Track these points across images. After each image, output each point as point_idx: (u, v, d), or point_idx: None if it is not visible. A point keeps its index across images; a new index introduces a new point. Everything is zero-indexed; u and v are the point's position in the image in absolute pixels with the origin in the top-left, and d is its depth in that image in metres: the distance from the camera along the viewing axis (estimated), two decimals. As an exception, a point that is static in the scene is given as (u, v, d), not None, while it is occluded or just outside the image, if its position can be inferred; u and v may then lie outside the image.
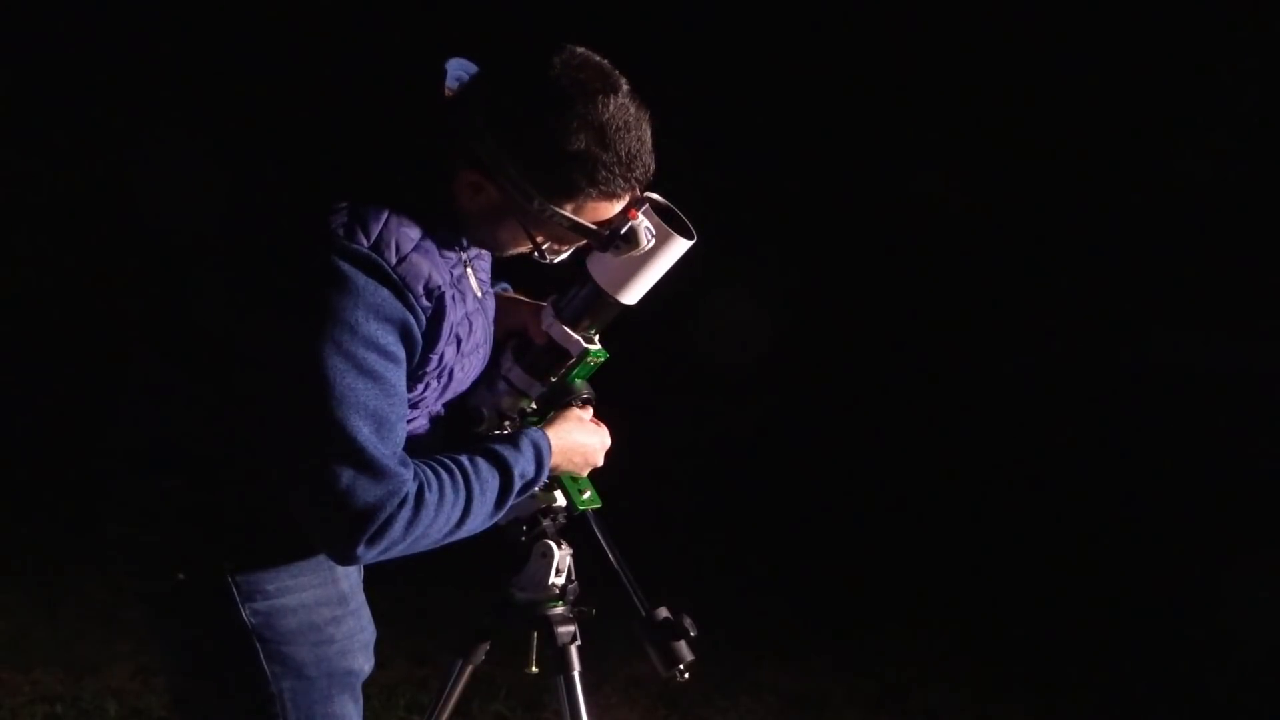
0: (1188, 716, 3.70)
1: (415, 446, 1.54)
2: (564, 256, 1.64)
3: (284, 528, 1.56)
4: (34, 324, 6.12)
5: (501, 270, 1.92)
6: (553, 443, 1.66)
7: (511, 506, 1.65)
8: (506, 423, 1.78)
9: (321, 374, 1.40)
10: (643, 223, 1.55)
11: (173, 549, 1.59)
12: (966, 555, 4.73)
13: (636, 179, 1.52)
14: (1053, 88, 6.11)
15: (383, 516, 1.43)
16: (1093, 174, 6.18)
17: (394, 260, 1.43)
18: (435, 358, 1.54)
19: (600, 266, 1.67)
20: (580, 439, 1.73)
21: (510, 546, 1.88)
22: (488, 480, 1.55)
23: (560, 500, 1.83)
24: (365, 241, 1.43)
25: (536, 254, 1.61)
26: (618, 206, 1.54)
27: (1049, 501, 5.14)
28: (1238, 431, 5.35)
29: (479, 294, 1.66)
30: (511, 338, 1.80)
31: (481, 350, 1.69)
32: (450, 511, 1.51)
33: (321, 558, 1.62)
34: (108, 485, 1.64)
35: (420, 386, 1.57)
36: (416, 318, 1.47)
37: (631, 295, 1.69)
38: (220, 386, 1.51)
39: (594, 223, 1.52)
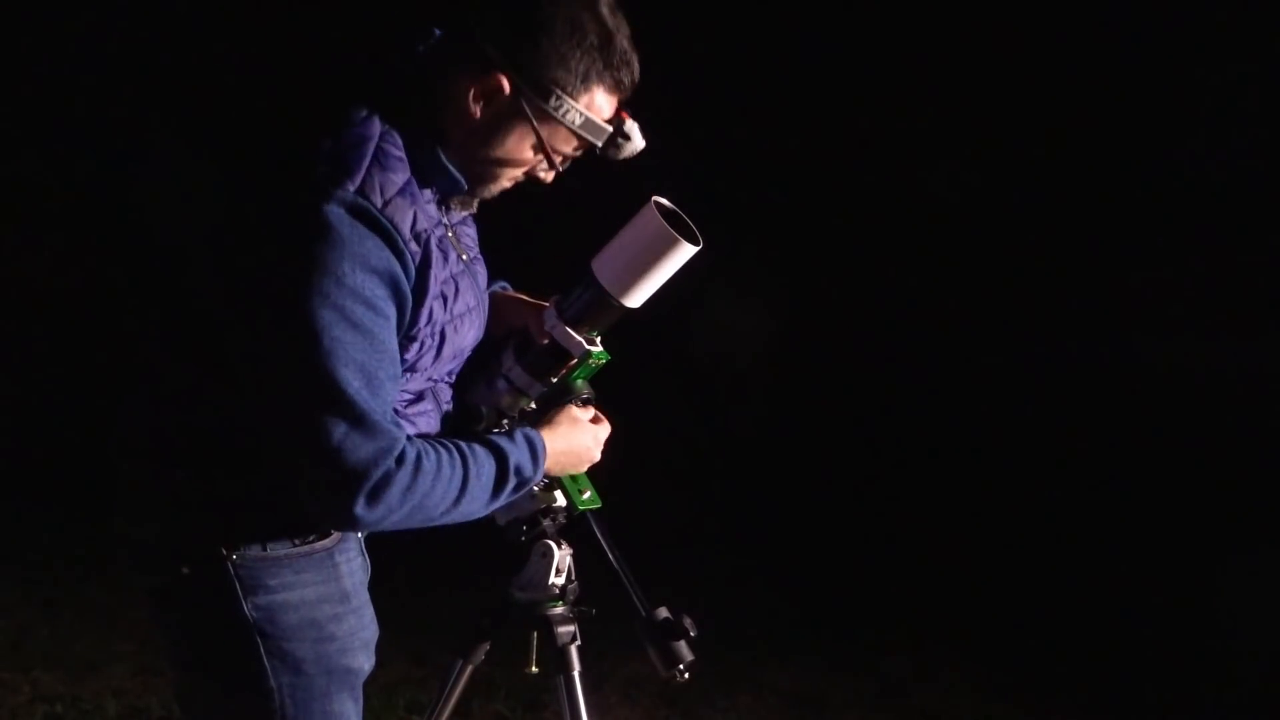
0: (1188, 717, 3.70)
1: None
2: (551, 176, 1.64)
3: (287, 521, 1.58)
4: (33, 323, 6.13)
5: (502, 270, 1.92)
6: (548, 442, 1.65)
7: (510, 503, 1.65)
8: (505, 421, 1.78)
9: (309, 327, 1.38)
10: (634, 125, 1.56)
11: (176, 542, 1.59)
12: (966, 555, 4.74)
13: (632, 77, 1.55)
14: (1053, 87, 6.11)
15: (378, 473, 1.42)
16: (1093, 174, 6.18)
17: (380, 203, 1.43)
18: (425, 313, 1.52)
19: (605, 269, 1.67)
20: (576, 439, 1.72)
21: (510, 546, 1.88)
22: (484, 463, 1.55)
23: (560, 500, 1.83)
24: (351, 185, 1.41)
25: (534, 171, 1.60)
26: (613, 105, 1.56)
27: (1049, 501, 5.14)
28: (1238, 431, 5.35)
29: (466, 258, 1.66)
30: (513, 336, 1.80)
31: (474, 316, 1.67)
32: (448, 485, 1.50)
33: (324, 554, 1.62)
34: (111, 480, 1.64)
35: (415, 347, 1.56)
36: (405, 266, 1.46)
37: (636, 298, 1.69)
38: (219, 373, 1.51)
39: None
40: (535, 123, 1.52)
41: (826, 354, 6.01)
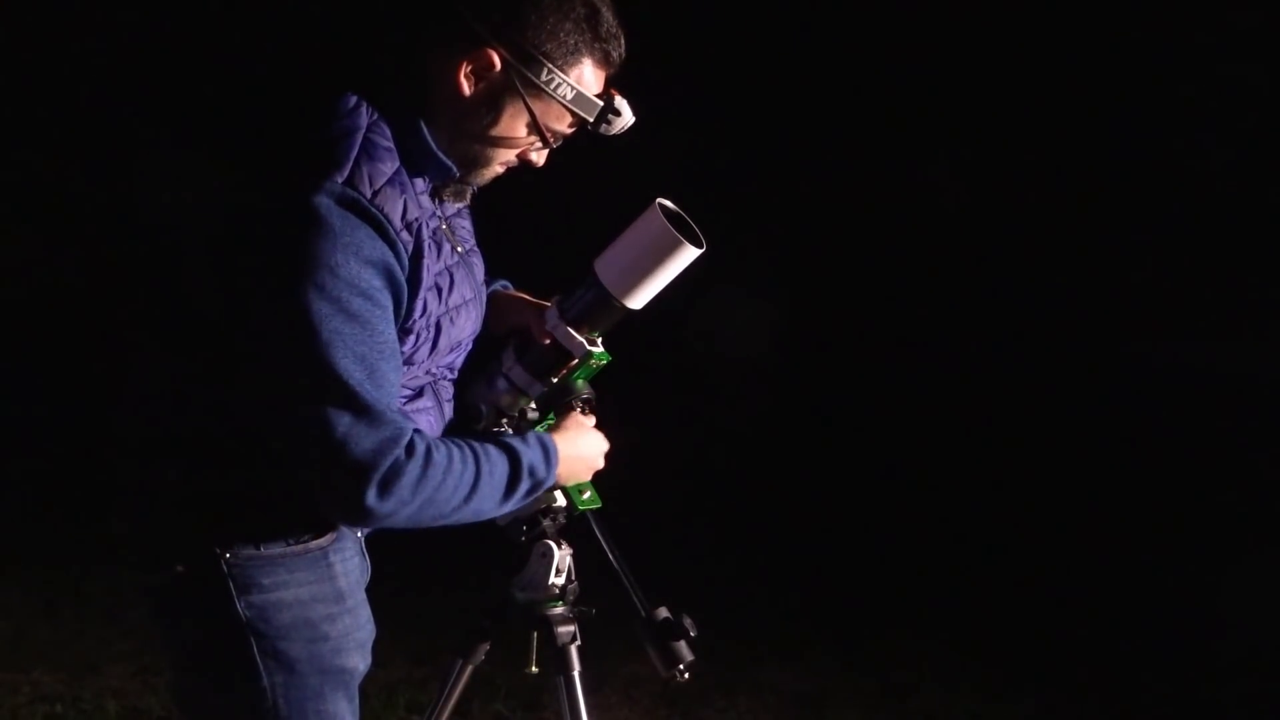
0: (1188, 716, 3.70)
1: None
2: (543, 158, 1.63)
3: (281, 520, 1.57)
4: (33, 323, 6.12)
5: (503, 269, 1.92)
6: (560, 446, 1.65)
7: (522, 504, 1.64)
8: (505, 421, 1.78)
9: (306, 320, 1.38)
10: (623, 100, 1.57)
11: (171, 541, 1.59)
12: (967, 555, 4.74)
13: (620, 51, 1.56)
14: (1053, 87, 6.11)
15: (387, 463, 1.42)
16: (1093, 174, 6.18)
17: (369, 194, 1.43)
18: (419, 305, 1.52)
19: (607, 269, 1.67)
20: (585, 445, 1.73)
21: (510, 546, 1.88)
22: (496, 462, 1.55)
23: (560, 500, 1.83)
24: (339, 177, 1.42)
25: (526, 152, 1.60)
26: (602, 79, 1.56)
27: (1049, 501, 5.14)
28: (1238, 431, 5.35)
29: (461, 250, 1.65)
30: (514, 336, 1.80)
31: (471, 309, 1.66)
32: (459, 480, 1.49)
33: (319, 553, 1.61)
34: (110, 479, 1.64)
35: (410, 340, 1.55)
36: (398, 255, 1.46)
37: (638, 300, 1.69)
38: (214, 370, 1.51)
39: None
40: (527, 98, 1.51)
41: (827, 354, 6.01)
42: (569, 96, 1.52)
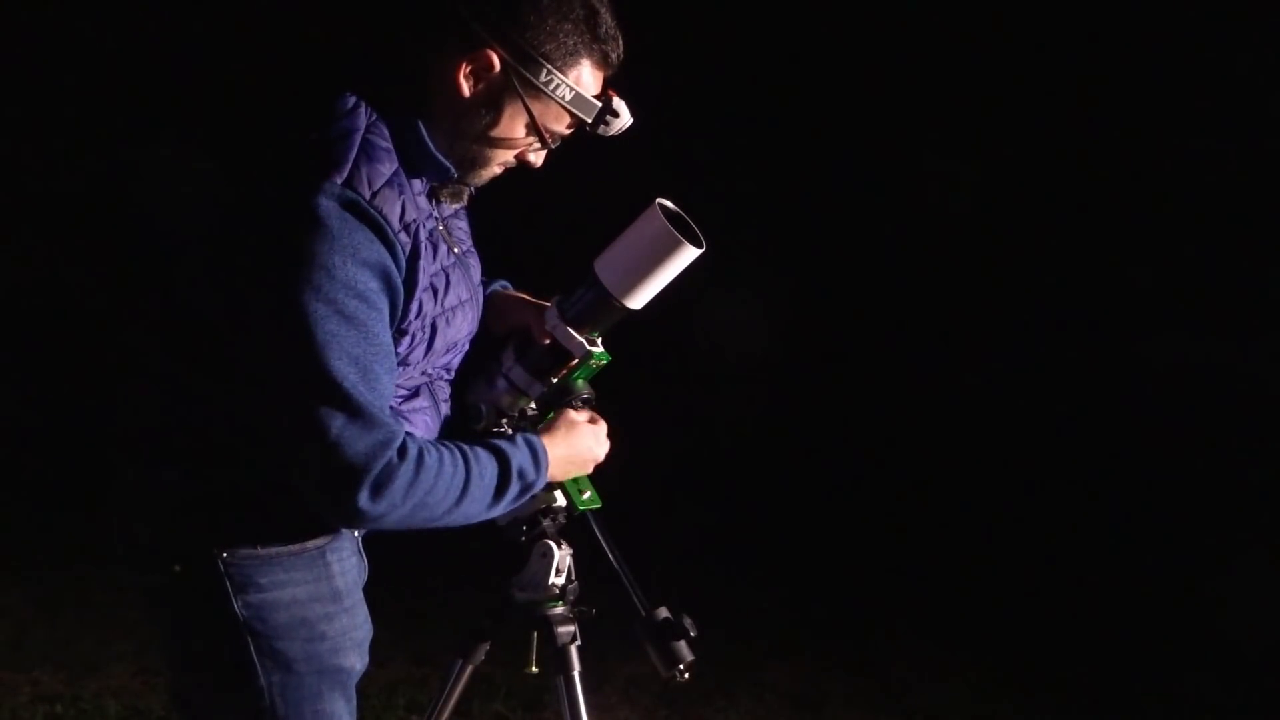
0: (1188, 716, 3.70)
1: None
2: (541, 159, 1.63)
3: (279, 518, 1.57)
4: (33, 323, 6.12)
5: (503, 269, 1.92)
6: (550, 448, 1.65)
7: (512, 507, 1.65)
8: (505, 421, 1.78)
9: (302, 321, 1.38)
10: (621, 102, 1.56)
11: (168, 540, 1.59)
12: (967, 555, 4.73)
13: (618, 52, 1.56)
14: (1054, 87, 6.11)
15: (379, 466, 1.42)
16: (1092, 173, 6.17)
17: (368, 195, 1.43)
18: (415, 306, 1.52)
19: (607, 269, 1.67)
20: (577, 442, 1.72)
21: (510, 546, 1.88)
22: (486, 465, 1.56)
23: (560, 500, 1.83)
24: (338, 178, 1.41)
25: (524, 153, 1.60)
26: (600, 80, 1.56)
27: (1049, 501, 5.14)
28: (1238, 431, 5.35)
29: (457, 251, 1.65)
30: (513, 336, 1.80)
31: (467, 309, 1.67)
32: (450, 483, 1.50)
33: (316, 553, 1.61)
34: (108, 479, 1.64)
35: (405, 341, 1.55)
36: (395, 257, 1.46)
37: (638, 300, 1.69)
38: (212, 370, 1.51)
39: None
40: (526, 99, 1.52)
41: (827, 354, 6.00)
42: (568, 98, 1.52)
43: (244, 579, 1.56)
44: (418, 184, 1.55)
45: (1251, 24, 5.73)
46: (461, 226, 1.74)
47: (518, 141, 1.57)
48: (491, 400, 1.77)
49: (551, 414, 1.78)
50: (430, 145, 1.53)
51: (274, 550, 1.58)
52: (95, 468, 1.70)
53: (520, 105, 1.53)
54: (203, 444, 1.56)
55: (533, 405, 1.79)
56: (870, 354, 6.11)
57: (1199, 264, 5.85)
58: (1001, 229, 6.18)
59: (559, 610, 1.88)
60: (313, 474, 1.45)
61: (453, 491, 1.51)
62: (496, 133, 1.55)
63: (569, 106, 1.53)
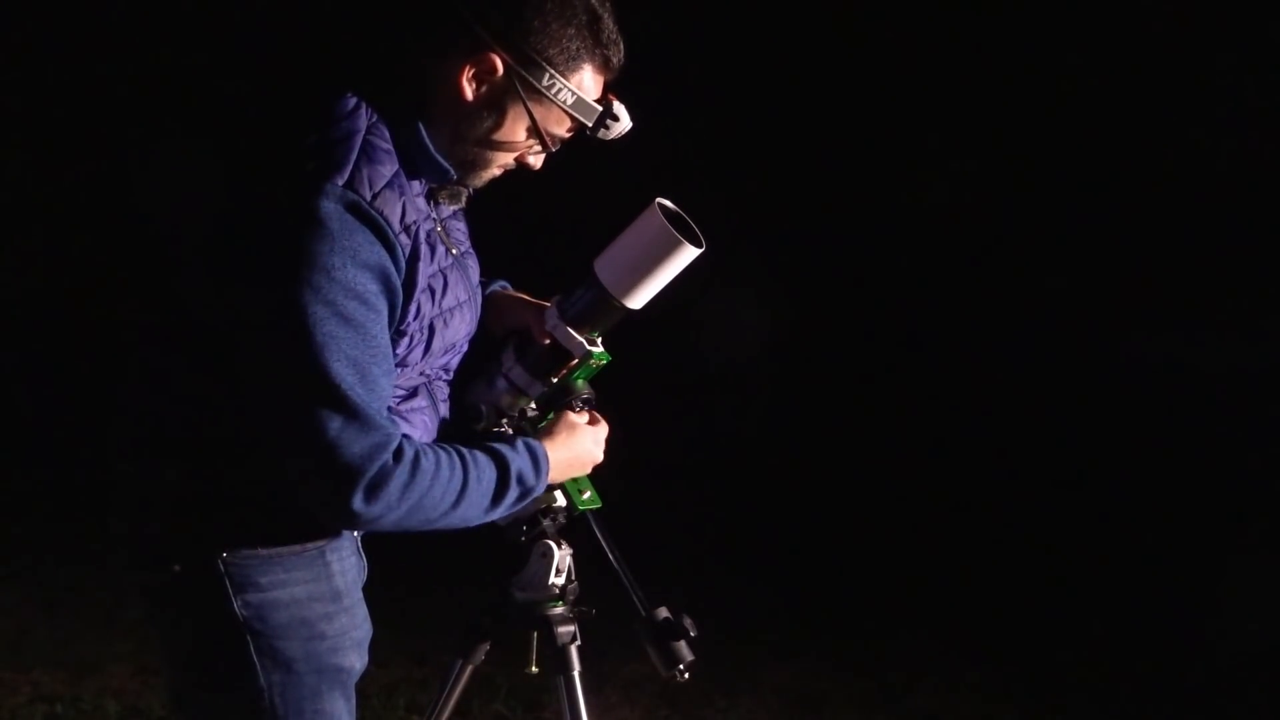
0: (1188, 716, 3.70)
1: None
2: (541, 161, 1.64)
3: (279, 518, 1.57)
4: (32, 322, 6.12)
5: (503, 269, 1.92)
6: (550, 451, 1.65)
7: (512, 510, 1.64)
8: (505, 421, 1.78)
9: (301, 322, 1.38)
10: (621, 106, 1.57)
11: (169, 540, 1.59)
12: (966, 555, 4.74)
13: (619, 56, 1.57)
14: (1054, 87, 6.11)
15: (375, 468, 1.42)
16: (1092, 173, 6.18)
17: (369, 196, 1.43)
18: (413, 307, 1.52)
19: (607, 269, 1.67)
20: (576, 444, 1.72)
21: (510, 546, 1.88)
22: (484, 469, 1.56)
23: (560, 500, 1.83)
24: (339, 179, 1.41)
25: (524, 156, 1.61)
26: (601, 84, 1.57)
27: (1049, 501, 5.14)
28: (1238, 431, 5.35)
29: (455, 252, 1.65)
30: (513, 336, 1.80)
31: (465, 311, 1.66)
32: (447, 485, 1.50)
33: (316, 553, 1.61)
34: (107, 479, 1.64)
35: (404, 342, 1.55)
36: (395, 259, 1.46)
37: (637, 300, 1.69)
38: (211, 370, 1.51)
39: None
40: (528, 103, 1.52)
41: (827, 354, 6.01)
42: (569, 101, 1.53)
43: (244, 579, 1.56)
44: (417, 185, 1.55)
45: (1249, 22, 5.73)
46: (460, 228, 1.74)
47: (518, 144, 1.58)
48: (491, 400, 1.77)
49: (552, 414, 1.78)
50: (430, 147, 1.53)
51: (274, 550, 1.58)
52: (96, 468, 1.70)
53: (522, 109, 1.53)
54: (202, 444, 1.56)
55: (533, 405, 1.79)
56: (870, 354, 6.11)
57: (1201, 263, 5.85)
58: (1001, 229, 6.18)
59: (559, 610, 1.88)
60: (309, 475, 1.45)
61: (449, 495, 1.51)
62: (498, 136, 1.55)
63: (570, 110, 1.54)
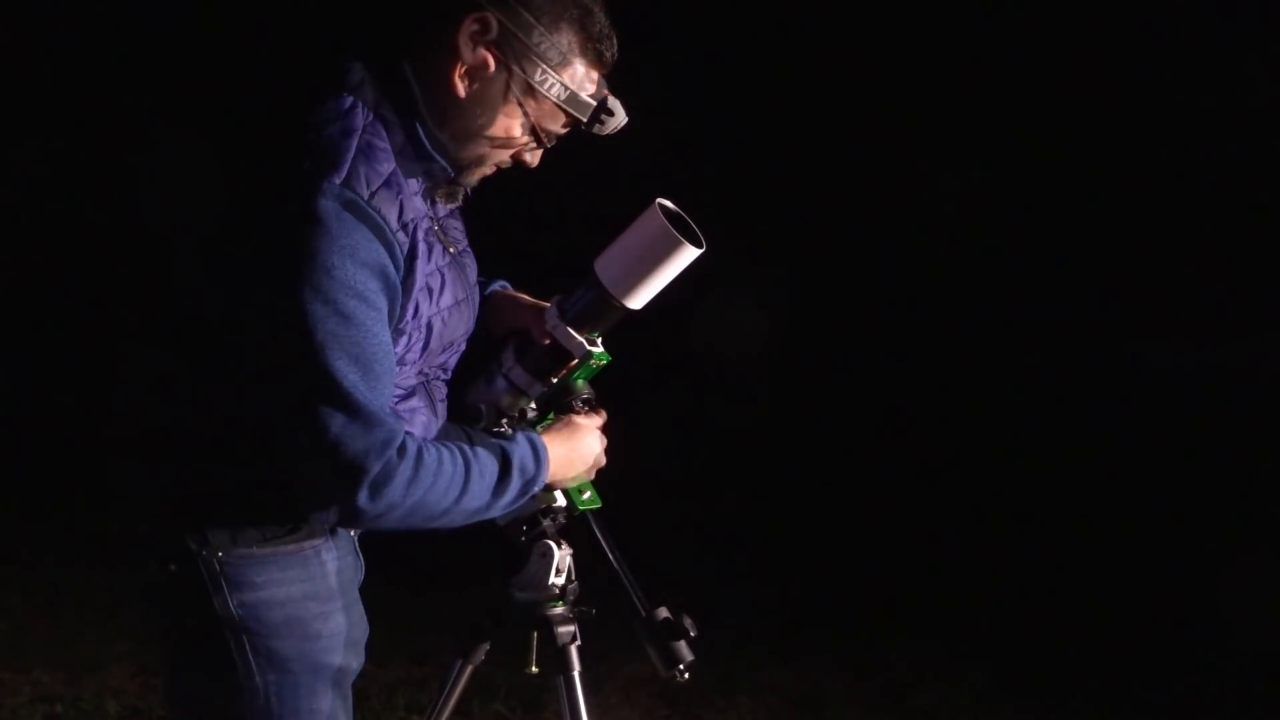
0: (1188, 716, 3.70)
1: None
2: (537, 158, 1.63)
3: (274, 518, 1.57)
4: (32, 323, 6.12)
5: (501, 270, 1.92)
6: (550, 446, 1.65)
7: (513, 505, 1.65)
8: (505, 421, 1.78)
9: (302, 322, 1.39)
10: (616, 101, 1.57)
11: (164, 538, 1.58)
12: (966, 555, 4.74)
13: (612, 51, 1.58)
14: (1054, 89, 6.11)
15: (378, 465, 1.43)
16: (1092, 174, 6.18)
17: (366, 195, 1.43)
18: (411, 306, 1.53)
19: (607, 269, 1.67)
20: (579, 444, 1.72)
21: (510, 546, 1.88)
22: (486, 463, 1.56)
23: (560, 500, 1.83)
24: (337, 178, 1.41)
25: (520, 152, 1.61)
26: (595, 80, 1.57)
27: (1049, 501, 5.14)
28: (1238, 431, 5.35)
29: (453, 251, 1.66)
30: (513, 336, 1.80)
31: (463, 309, 1.67)
32: (450, 481, 1.50)
33: (311, 552, 1.61)
34: (105, 479, 1.64)
35: (402, 341, 1.55)
36: (393, 256, 1.46)
37: (637, 300, 1.69)
38: (209, 369, 1.51)
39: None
40: (521, 99, 1.53)
41: (827, 354, 6.01)
42: (563, 97, 1.53)
43: (239, 578, 1.56)
44: (414, 184, 1.55)
45: (1249, 24, 5.73)
46: (456, 226, 1.74)
47: (514, 141, 1.58)
48: (491, 400, 1.77)
49: (552, 415, 1.78)
50: (428, 146, 1.54)
51: (269, 550, 1.58)
52: (95, 468, 1.70)
53: (516, 105, 1.54)
54: (198, 442, 1.55)
55: (533, 405, 1.79)
56: (870, 354, 6.11)
57: (1199, 264, 5.85)
58: (1001, 230, 6.18)
59: (559, 610, 1.88)
60: (313, 473, 1.45)
61: (453, 489, 1.51)
62: (493, 132, 1.56)
63: (564, 105, 1.54)
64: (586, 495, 1.81)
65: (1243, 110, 5.90)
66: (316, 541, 1.62)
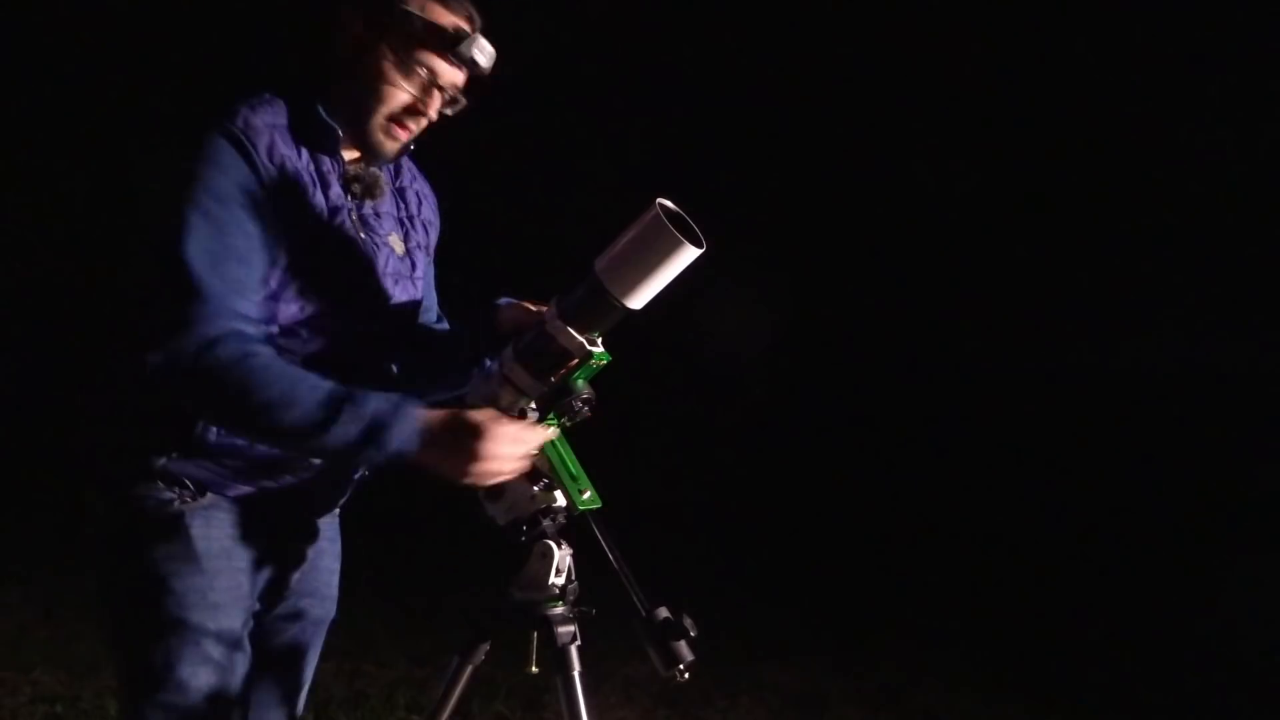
0: (1188, 716, 3.70)
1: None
2: (432, 105, 1.75)
3: (162, 476, 1.73)
4: (31, 323, 6.12)
5: (502, 269, 1.92)
6: (431, 423, 1.61)
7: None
8: (504, 422, 1.77)
9: (170, 219, 1.58)
10: (478, 38, 1.74)
11: (95, 503, 1.80)
12: (966, 556, 4.74)
13: (468, 11, 1.75)
14: (1053, 90, 6.11)
15: (209, 335, 1.55)
16: (1092, 175, 6.18)
17: (241, 124, 1.64)
18: (285, 240, 1.65)
19: (607, 269, 1.67)
20: (478, 442, 1.61)
21: (510, 546, 1.88)
22: (321, 385, 1.59)
23: (560, 500, 1.83)
24: (220, 117, 1.64)
25: (413, 106, 1.74)
26: (454, 20, 1.73)
27: (1049, 502, 5.14)
28: (1238, 431, 5.35)
29: (364, 236, 1.76)
30: (513, 336, 1.80)
31: (372, 286, 1.77)
32: (273, 384, 1.57)
33: (177, 516, 1.72)
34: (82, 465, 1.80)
35: (279, 277, 1.66)
36: (258, 174, 1.64)
37: (638, 300, 1.68)
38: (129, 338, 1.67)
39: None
40: (385, 40, 1.71)
41: (827, 356, 6.01)
42: (419, 26, 1.70)
43: (123, 537, 1.75)
44: (327, 163, 1.73)
45: (1248, 25, 5.73)
46: (389, 224, 1.83)
47: (395, 85, 1.72)
48: (491, 400, 1.77)
49: (553, 415, 1.78)
50: (322, 112, 1.72)
51: (143, 510, 1.73)
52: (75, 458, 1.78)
53: (384, 47, 1.71)
54: (114, 410, 1.74)
55: (533, 405, 1.79)
56: (871, 356, 6.11)
57: (1199, 265, 5.85)
58: (1001, 230, 6.18)
59: (559, 610, 1.87)
60: (146, 340, 1.57)
61: (270, 392, 1.56)
62: (373, 82, 1.72)
63: (422, 35, 1.70)
64: (587, 495, 1.81)
65: (1245, 115, 5.90)
66: (191, 506, 1.74)
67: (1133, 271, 5.97)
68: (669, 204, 1.66)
